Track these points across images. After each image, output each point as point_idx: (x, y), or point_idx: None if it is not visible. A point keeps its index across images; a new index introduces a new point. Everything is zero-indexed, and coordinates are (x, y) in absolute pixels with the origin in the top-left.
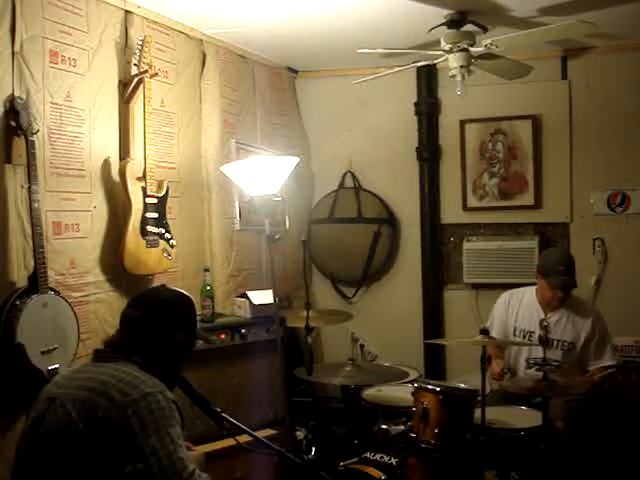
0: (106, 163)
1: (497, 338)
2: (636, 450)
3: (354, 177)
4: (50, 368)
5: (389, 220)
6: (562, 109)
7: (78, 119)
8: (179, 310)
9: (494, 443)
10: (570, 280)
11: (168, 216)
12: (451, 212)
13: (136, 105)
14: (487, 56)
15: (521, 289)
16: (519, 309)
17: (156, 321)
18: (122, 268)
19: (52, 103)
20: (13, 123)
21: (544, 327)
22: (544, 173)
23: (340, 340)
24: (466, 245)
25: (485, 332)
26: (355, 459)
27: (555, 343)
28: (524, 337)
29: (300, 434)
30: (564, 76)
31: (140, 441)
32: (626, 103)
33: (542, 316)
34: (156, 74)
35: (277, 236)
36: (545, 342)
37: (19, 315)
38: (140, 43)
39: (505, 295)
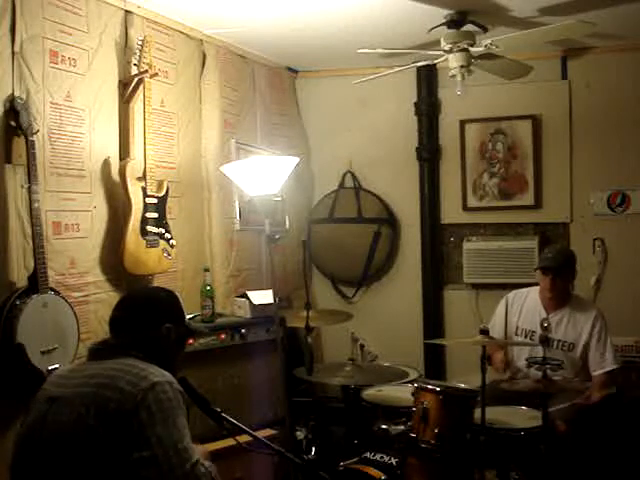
0: (106, 163)
1: (497, 338)
2: (636, 450)
3: (354, 177)
4: (50, 368)
5: (389, 220)
6: (562, 109)
7: (78, 119)
8: (162, 303)
9: (494, 443)
10: (553, 260)
11: (168, 216)
12: (451, 212)
13: (136, 105)
14: (487, 56)
15: (525, 289)
16: (522, 309)
17: (143, 316)
18: (122, 268)
19: (52, 103)
20: (13, 123)
21: (545, 327)
22: (544, 173)
23: (340, 340)
24: (466, 245)
25: (485, 332)
26: (355, 459)
27: (555, 343)
28: (526, 337)
29: (300, 434)
30: (564, 76)
31: (147, 429)
32: (626, 103)
33: (544, 315)
34: (156, 74)
35: (277, 236)
36: (545, 342)
37: (19, 315)
38: (140, 43)
39: (509, 295)
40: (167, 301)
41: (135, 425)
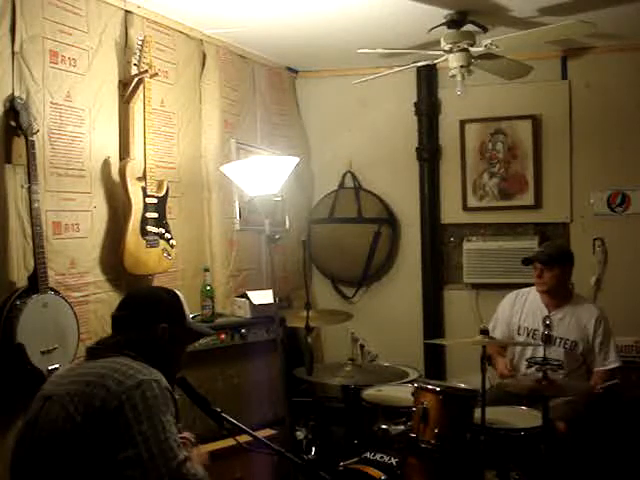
0: (106, 163)
1: (499, 338)
2: (636, 450)
3: (354, 177)
4: (50, 368)
5: (389, 220)
6: (562, 109)
7: (78, 119)
8: (162, 303)
9: (494, 443)
10: (540, 253)
11: (168, 216)
12: (451, 212)
13: (136, 105)
14: (487, 56)
15: (526, 289)
16: (524, 307)
17: (139, 315)
18: (122, 268)
19: (52, 103)
20: (13, 123)
21: (547, 324)
22: (544, 173)
23: (340, 340)
24: (466, 245)
25: (485, 332)
26: (355, 459)
27: (558, 341)
28: (528, 335)
29: (300, 434)
30: (564, 76)
31: (132, 428)
32: (626, 103)
33: (545, 313)
34: (156, 74)
35: (277, 236)
36: (547, 339)
37: (19, 315)
38: (140, 43)
39: (511, 295)
40: (167, 301)
41: (121, 424)
